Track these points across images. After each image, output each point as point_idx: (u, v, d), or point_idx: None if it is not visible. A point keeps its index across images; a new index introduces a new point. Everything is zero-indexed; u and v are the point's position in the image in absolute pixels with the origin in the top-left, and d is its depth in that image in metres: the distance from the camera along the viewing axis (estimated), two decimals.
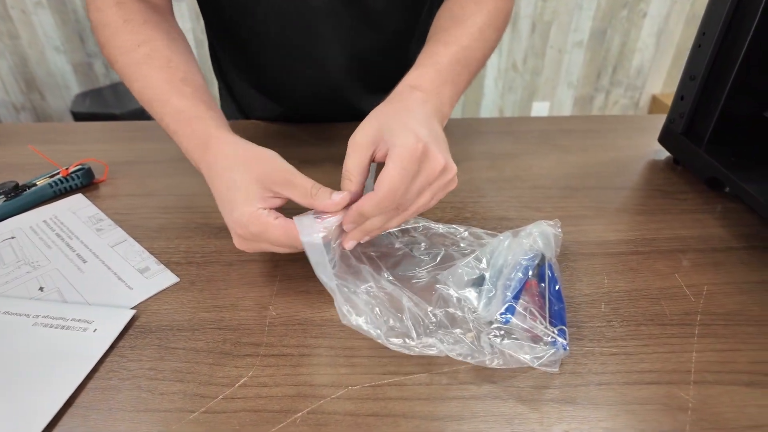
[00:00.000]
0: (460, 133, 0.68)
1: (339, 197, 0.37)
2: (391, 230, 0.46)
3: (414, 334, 0.36)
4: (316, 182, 0.38)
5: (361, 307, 0.37)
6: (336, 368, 0.35)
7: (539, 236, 0.42)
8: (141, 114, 1.97)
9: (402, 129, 0.37)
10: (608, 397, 0.33)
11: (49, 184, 0.53)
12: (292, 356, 0.36)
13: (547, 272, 0.40)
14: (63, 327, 0.38)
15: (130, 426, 0.31)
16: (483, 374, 0.34)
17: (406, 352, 0.35)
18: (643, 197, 0.54)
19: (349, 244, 0.39)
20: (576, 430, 0.31)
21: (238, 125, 0.72)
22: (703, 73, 0.53)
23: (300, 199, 0.38)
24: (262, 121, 0.72)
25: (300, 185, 0.38)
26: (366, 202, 0.36)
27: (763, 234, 0.47)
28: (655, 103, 2.26)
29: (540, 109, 2.27)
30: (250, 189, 0.38)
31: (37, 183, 0.53)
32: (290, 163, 0.39)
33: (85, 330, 0.37)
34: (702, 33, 0.53)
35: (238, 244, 0.39)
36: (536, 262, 0.41)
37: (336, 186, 0.39)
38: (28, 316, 0.39)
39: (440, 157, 0.37)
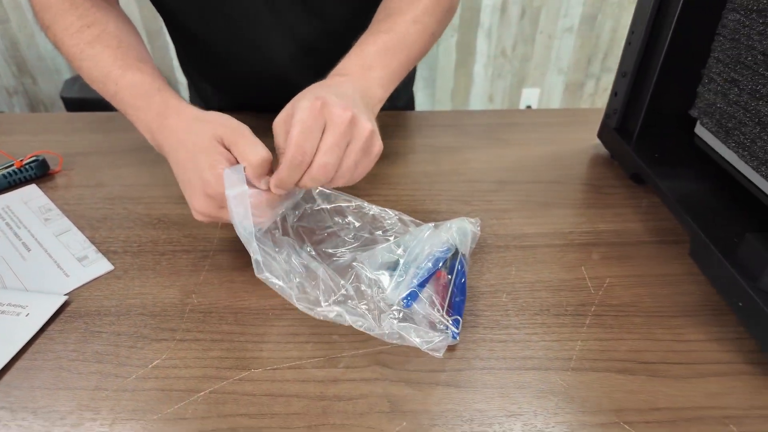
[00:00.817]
0: (406, 126, 0.69)
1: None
2: (324, 207, 0.48)
3: (322, 301, 0.38)
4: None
5: (277, 269, 0.39)
6: (243, 353, 0.38)
7: (457, 231, 0.45)
8: None
9: (307, 95, 0.39)
10: (487, 381, 0.36)
11: (3, 175, 0.56)
12: (205, 341, 0.39)
13: (457, 266, 0.42)
14: None
15: (47, 402, 0.34)
16: (378, 359, 0.37)
17: (311, 314, 0.37)
18: (571, 191, 0.56)
19: (276, 190, 0.39)
20: (452, 411, 0.34)
21: None
22: (632, 70, 0.55)
23: (246, 156, 0.39)
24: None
25: (251, 139, 0.40)
26: (281, 168, 0.38)
27: (676, 230, 0.49)
28: None
29: (530, 95, 2.26)
30: (213, 149, 0.40)
31: None
32: None
33: (18, 314, 0.40)
34: (631, 31, 0.54)
35: (203, 208, 0.40)
36: (449, 255, 0.43)
37: None
38: None
39: (343, 109, 0.38)
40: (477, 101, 2.27)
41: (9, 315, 0.40)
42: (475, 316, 0.40)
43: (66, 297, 0.42)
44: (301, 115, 0.37)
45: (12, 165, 0.57)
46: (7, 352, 0.37)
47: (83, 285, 0.44)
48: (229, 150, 0.40)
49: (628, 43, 0.55)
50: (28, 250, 0.48)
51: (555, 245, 0.48)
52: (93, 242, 0.48)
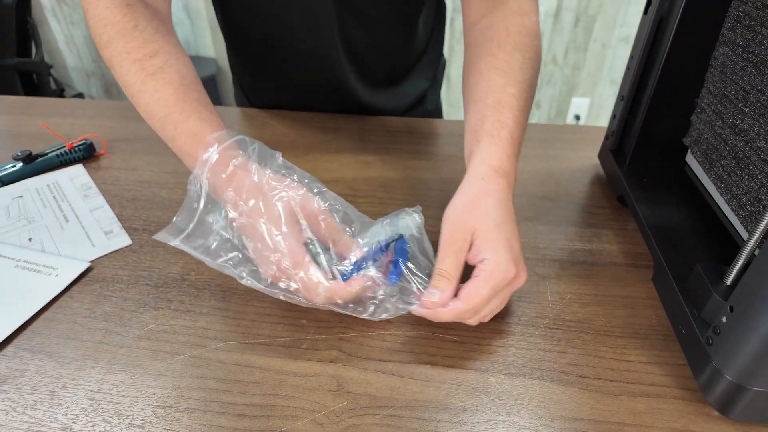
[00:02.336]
0: (415, 133, 0.73)
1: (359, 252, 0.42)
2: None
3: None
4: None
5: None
6: (224, 326, 0.44)
7: (400, 220, 0.46)
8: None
9: (496, 242, 0.40)
10: (428, 374, 0.39)
11: (57, 155, 0.65)
12: (194, 313, 0.45)
13: (399, 245, 0.45)
14: (35, 270, 0.49)
15: (59, 348, 0.42)
16: (337, 345, 0.42)
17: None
18: (558, 208, 0.58)
19: (418, 312, 0.41)
20: (390, 397, 0.38)
21: (242, 113, 0.81)
22: (628, 95, 0.56)
23: (331, 235, 0.42)
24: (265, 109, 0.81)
25: (334, 222, 0.43)
26: (447, 312, 0.39)
27: (647, 254, 0.50)
28: None
29: (579, 104, 2.22)
30: (291, 218, 0.41)
31: (47, 153, 0.65)
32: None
33: (49, 275, 0.48)
34: (631, 56, 0.55)
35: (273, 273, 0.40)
36: (393, 240, 0.45)
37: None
38: (12, 259, 0.50)
39: (524, 275, 0.40)
40: None
41: (42, 274, 0.48)
42: None
43: (89, 263, 0.50)
44: (494, 280, 0.38)
45: (64, 146, 0.66)
46: (36, 304, 0.45)
47: (105, 255, 0.51)
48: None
49: (627, 68, 0.56)
50: (67, 221, 0.56)
51: (527, 258, 0.50)
52: (119, 219, 0.56)
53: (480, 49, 0.52)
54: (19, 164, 0.63)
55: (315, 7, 0.65)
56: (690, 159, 0.53)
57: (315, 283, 0.39)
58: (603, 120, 2.26)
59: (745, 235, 0.43)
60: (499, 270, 0.39)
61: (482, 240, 0.40)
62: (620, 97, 0.58)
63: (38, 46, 1.54)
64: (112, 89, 2.49)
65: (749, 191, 0.41)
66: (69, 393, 0.38)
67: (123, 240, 0.53)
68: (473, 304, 0.39)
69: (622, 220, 0.56)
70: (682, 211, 0.51)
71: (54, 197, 0.60)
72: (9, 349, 0.42)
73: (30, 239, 0.53)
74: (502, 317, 0.44)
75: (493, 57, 0.50)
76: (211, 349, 0.41)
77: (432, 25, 0.79)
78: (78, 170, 0.65)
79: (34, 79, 1.62)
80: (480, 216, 0.41)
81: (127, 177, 0.63)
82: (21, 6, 1.45)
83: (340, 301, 0.40)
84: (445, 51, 0.93)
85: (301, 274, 0.39)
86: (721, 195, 0.46)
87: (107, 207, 0.58)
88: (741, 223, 0.43)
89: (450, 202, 0.44)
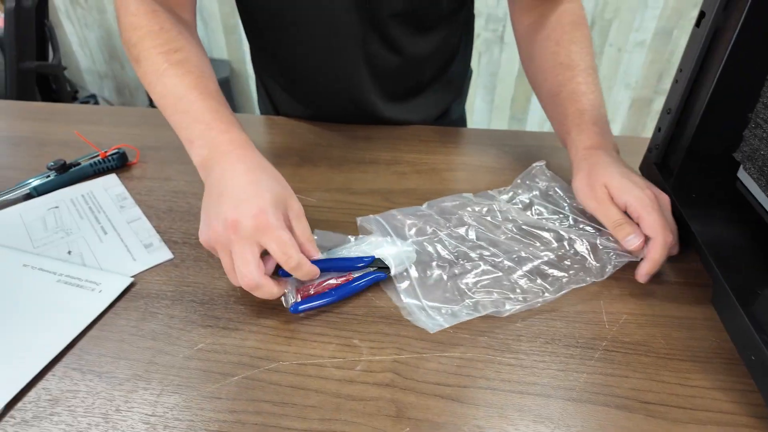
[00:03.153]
0: (449, 142, 0.72)
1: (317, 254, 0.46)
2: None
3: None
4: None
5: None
6: (274, 345, 0.43)
7: (396, 252, 0.49)
8: None
9: (625, 183, 0.49)
10: (489, 400, 0.38)
11: (90, 164, 0.65)
12: (243, 331, 0.44)
13: (365, 278, 0.48)
14: (78, 285, 0.48)
15: (109, 368, 0.41)
16: (391, 367, 0.41)
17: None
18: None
19: (645, 278, 0.48)
20: (452, 423, 0.37)
21: (269, 120, 0.80)
22: (677, 108, 0.55)
23: (297, 236, 0.45)
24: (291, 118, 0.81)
25: (304, 224, 0.46)
26: (659, 253, 0.46)
27: (702, 274, 0.49)
28: None
29: None
30: (276, 199, 0.44)
31: (81, 162, 0.65)
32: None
33: (93, 290, 0.48)
34: (680, 69, 0.54)
35: (213, 235, 0.43)
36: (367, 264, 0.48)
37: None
38: (54, 273, 0.49)
39: (656, 189, 0.50)
40: (536, 111, 2.24)
41: (85, 290, 0.48)
42: (488, 338, 0.43)
43: (132, 279, 0.49)
44: (652, 208, 0.47)
45: (97, 155, 0.65)
46: (82, 321, 0.44)
47: (146, 269, 0.50)
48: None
49: (675, 81, 0.55)
50: (105, 233, 0.55)
51: None
52: (158, 231, 0.55)
53: (538, 47, 0.60)
54: (53, 174, 0.63)
55: (339, 25, 0.65)
56: (742, 174, 0.52)
57: (288, 241, 0.43)
58: (617, 125, 2.24)
59: None
60: (645, 198, 0.47)
61: (614, 187, 0.49)
62: (666, 110, 0.57)
63: (56, 49, 1.54)
64: (124, 91, 2.49)
65: None
66: (123, 416, 0.37)
67: (164, 254, 0.52)
68: (661, 226, 0.46)
69: None
70: (736, 228, 0.49)
71: (90, 208, 0.59)
72: (58, 369, 0.41)
73: (69, 252, 0.53)
74: (558, 339, 0.43)
75: (554, 54, 0.58)
76: (263, 371, 0.41)
77: (459, 38, 0.78)
78: (112, 180, 0.64)
79: (51, 82, 1.61)
80: (601, 173, 0.50)
81: (161, 187, 0.63)
82: (39, 8, 1.45)
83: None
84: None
85: (284, 234, 0.43)
86: None
87: (144, 219, 0.57)
88: None
89: (572, 184, 0.53)
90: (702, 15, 0.50)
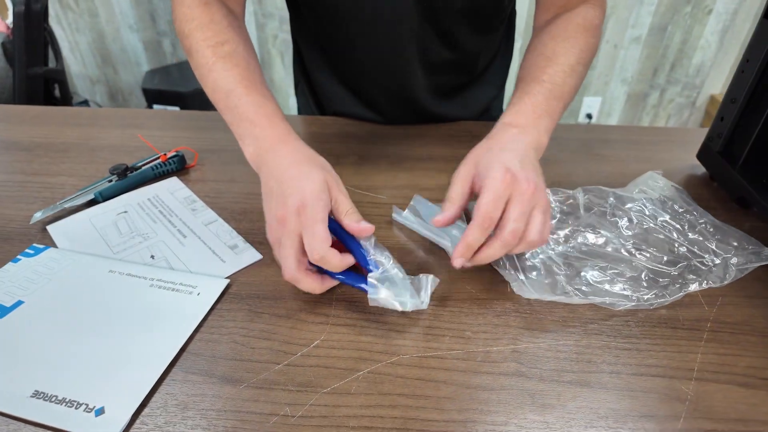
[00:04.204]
0: None
1: (363, 226, 0.45)
2: None
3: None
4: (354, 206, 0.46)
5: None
6: (389, 340, 0.43)
7: None
8: (203, 93, 2.11)
9: (494, 163, 0.45)
10: (617, 383, 0.39)
11: (151, 168, 0.63)
12: (355, 326, 0.44)
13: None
14: (173, 289, 0.47)
15: (228, 371, 0.40)
16: (511, 356, 0.41)
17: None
18: None
19: (458, 262, 0.44)
20: (586, 407, 0.38)
21: (318, 121, 0.80)
22: (744, 98, 0.57)
23: (348, 225, 0.45)
24: (339, 116, 0.81)
25: (353, 217, 0.45)
26: (469, 232, 0.43)
27: None
28: (713, 104, 2.20)
29: (591, 104, 2.25)
30: (322, 192, 0.44)
31: (141, 166, 0.63)
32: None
33: (190, 293, 0.47)
34: (746, 59, 0.56)
35: (271, 232, 0.45)
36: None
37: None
38: (145, 278, 0.48)
39: (528, 181, 0.43)
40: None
41: (183, 293, 0.47)
42: (597, 325, 0.44)
43: (227, 280, 0.48)
44: (492, 184, 0.43)
45: (158, 158, 0.64)
46: (189, 325, 0.44)
47: (238, 270, 0.50)
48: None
49: (741, 71, 0.57)
50: (184, 236, 0.54)
51: None
52: (239, 233, 0.55)
53: (537, 41, 0.59)
54: (115, 178, 0.61)
55: (397, 19, 0.65)
56: None
57: (323, 239, 0.42)
58: (613, 119, 2.30)
59: None
60: (495, 178, 0.43)
61: (480, 167, 0.46)
62: (730, 99, 0.59)
63: (57, 53, 1.50)
64: (117, 96, 2.44)
65: None
66: (259, 417, 0.37)
67: (252, 255, 0.52)
68: (482, 212, 0.42)
69: (738, 220, 0.56)
70: None
71: (160, 212, 0.58)
72: (176, 374, 0.40)
73: (152, 256, 0.52)
74: (665, 323, 0.44)
75: (543, 46, 0.57)
76: (386, 365, 0.41)
77: (503, 32, 0.79)
78: (175, 183, 0.63)
79: (52, 88, 1.57)
80: (481, 153, 0.48)
81: (229, 189, 0.62)
82: (43, 13, 1.41)
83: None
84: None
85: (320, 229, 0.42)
86: None
87: (221, 221, 0.56)
88: None
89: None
90: None
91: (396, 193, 0.61)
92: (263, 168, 0.49)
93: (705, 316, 0.45)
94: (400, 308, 0.42)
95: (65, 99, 1.60)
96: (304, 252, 0.43)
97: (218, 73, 0.52)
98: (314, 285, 0.44)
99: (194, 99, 2.02)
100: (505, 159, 0.45)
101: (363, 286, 0.44)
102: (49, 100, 1.54)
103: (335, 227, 0.46)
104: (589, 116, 2.27)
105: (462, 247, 0.44)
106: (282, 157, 0.48)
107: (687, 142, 0.72)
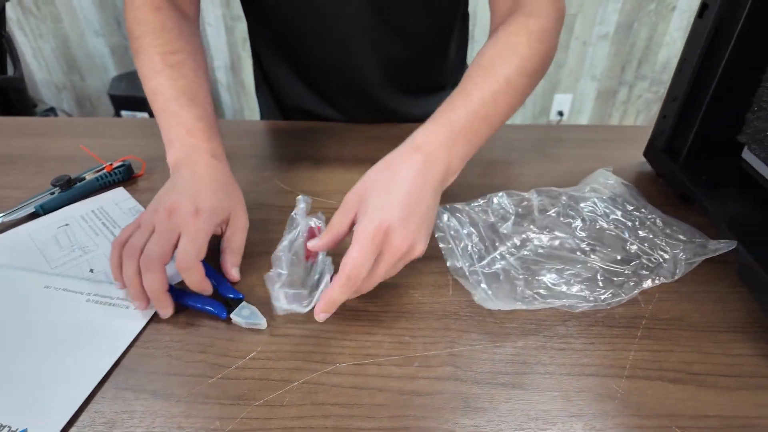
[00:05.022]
0: None
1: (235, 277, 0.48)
2: None
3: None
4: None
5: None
6: (328, 348, 0.42)
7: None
8: None
9: (374, 208, 0.41)
10: (549, 384, 0.39)
11: (96, 179, 0.62)
12: (294, 336, 0.43)
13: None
14: (110, 304, 0.46)
15: (162, 385, 0.39)
16: (448, 360, 0.41)
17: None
18: None
19: (321, 317, 0.41)
20: (518, 410, 0.38)
21: (275, 126, 0.79)
22: (683, 95, 0.58)
23: (232, 247, 0.49)
24: (299, 113, 0.80)
25: (242, 239, 0.49)
26: (332, 289, 0.40)
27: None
28: None
29: (562, 101, 2.27)
30: (217, 207, 0.47)
31: (86, 177, 0.62)
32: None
33: (127, 307, 0.46)
34: (683, 58, 0.57)
35: (146, 214, 0.47)
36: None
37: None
38: (82, 293, 0.47)
39: (404, 239, 0.40)
40: (526, 105, 2.29)
41: (119, 308, 0.46)
42: (534, 325, 0.44)
43: None
44: (363, 240, 0.39)
45: (103, 169, 0.63)
46: (123, 340, 0.43)
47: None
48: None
49: (679, 69, 0.58)
50: None
51: None
52: None
53: (482, 48, 0.54)
54: (57, 190, 0.60)
55: (348, 16, 0.65)
56: (748, 155, 0.55)
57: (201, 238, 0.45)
58: (584, 115, 2.32)
59: None
60: (366, 233, 0.39)
61: (363, 204, 0.42)
62: (671, 98, 0.60)
63: (15, 61, 1.46)
64: (84, 102, 2.39)
65: None
66: None
67: None
68: (348, 270, 0.39)
69: (681, 216, 0.57)
70: (747, 204, 0.53)
71: (103, 224, 0.57)
72: (108, 390, 0.39)
73: (92, 270, 0.50)
74: (601, 321, 0.45)
75: (482, 55, 0.52)
76: (322, 374, 0.40)
77: (459, 33, 0.80)
78: (120, 194, 0.62)
79: (10, 96, 1.53)
80: (371, 183, 0.43)
81: None
82: None
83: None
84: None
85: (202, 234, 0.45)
86: None
87: None
88: None
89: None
90: (705, 6, 0.53)
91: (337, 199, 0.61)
92: (182, 170, 0.49)
93: (641, 314, 0.46)
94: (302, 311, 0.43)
95: (24, 108, 1.56)
96: (167, 255, 0.44)
97: (164, 80, 0.53)
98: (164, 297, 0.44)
99: None
100: (387, 205, 0.41)
101: (210, 308, 0.45)
102: (8, 109, 1.50)
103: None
104: (561, 113, 2.29)
105: (323, 304, 0.41)
106: (204, 170, 0.49)
107: (638, 139, 0.73)
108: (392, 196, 0.42)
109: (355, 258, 0.39)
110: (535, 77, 0.53)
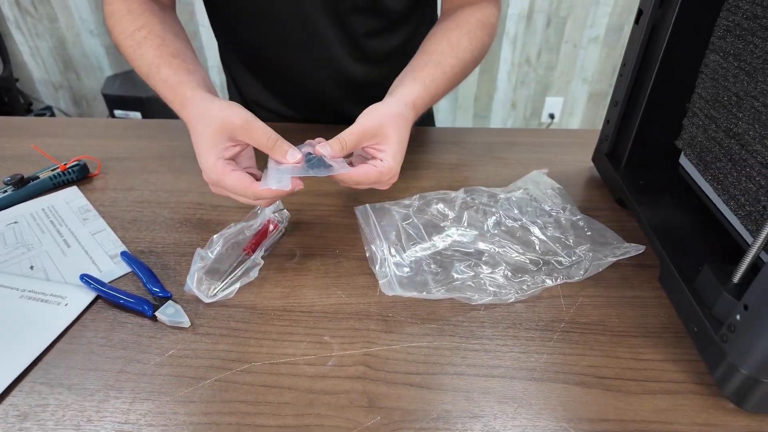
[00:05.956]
0: (415, 142, 0.74)
1: (294, 158, 0.47)
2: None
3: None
4: (274, 132, 0.47)
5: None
6: (246, 347, 0.43)
7: None
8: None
9: (397, 151, 0.50)
10: (456, 385, 0.40)
11: (49, 177, 0.63)
12: (214, 335, 0.44)
13: None
14: (42, 300, 0.47)
15: (79, 380, 0.41)
16: (362, 360, 0.42)
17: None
18: None
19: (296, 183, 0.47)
20: (421, 410, 0.38)
21: None
22: (623, 100, 0.58)
23: (258, 145, 0.47)
24: (259, 108, 0.82)
25: (258, 130, 0.46)
26: (343, 173, 0.48)
27: (651, 255, 0.52)
28: None
29: (553, 104, 2.27)
30: (213, 139, 0.47)
31: (40, 176, 0.63)
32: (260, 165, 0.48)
33: (58, 304, 0.47)
34: (623, 63, 0.57)
35: (211, 189, 0.49)
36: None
37: None
38: (17, 289, 0.49)
39: (395, 176, 0.51)
40: (499, 108, 2.29)
41: (51, 304, 0.47)
42: (453, 326, 0.45)
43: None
44: (380, 173, 0.49)
45: (57, 168, 0.64)
46: (48, 336, 0.44)
47: (114, 279, 0.50)
48: (233, 137, 0.47)
49: (620, 74, 0.58)
50: (68, 246, 0.55)
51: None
52: (123, 242, 0.55)
53: (443, 23, 0.63)
54: (10, 189, 0.61)
55: (301, 20, 0.67)
56: (684, 161, 0.55)
57: (243, 187, 0.46)
58: (576, 118, 2.32)
59: (744, 233, 0.45)
60: (390, 173, 0.49)
61: (389, 145, 0.49)
62: (613, 102, 0.60)
63: (6, 60, 1.48)
64: (81, 102, 2.42)
65: (747, 192, 0.44)
66: (95, 426, 0.37)
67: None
68: (360, 180, 0.48)
69: (621, 221, 0.58)
70: (681, 211, 0.53)
71: (51, 222, 0.58)
72: (25, 384, 0.40)
73: (32, 267, 0.52)
74: (519, 323, 0.45)
75: (449, 31, 0.61)
76: (236, 372, 0.41)
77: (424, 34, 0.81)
78: (73, 192, 0.63)
79: (2, 95, 1.55)
80: (396, 128, 0.50)
81: (125, 197, 0.62)
82: None
83: (264, 198, 0.47)
84: None
85: (226, 180, 0.46)
86: (719, 195, 0.48)
87: (109, 230, 0.57)
88: (741, 223, 0.45)
89: (376, 104, 0.52)
90: (640, 12, 0.53)
91: (294, 199, 0.62)
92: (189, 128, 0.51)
93: (561, 317, 0.46)
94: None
95: (14, 106, 1.58)
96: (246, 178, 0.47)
97: (139, 60, 0.56)
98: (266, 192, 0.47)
99: (155, 104, 2.01)
100: (399, 154, 0.50)
101: (136, 306, 0.46)
102: (0, 107, 1.53)
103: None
104: (552, 116, 2.29)
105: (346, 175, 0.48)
106: (187, 123, 0.51)
107: (591, 143, 0.73)
108: (402, 147, 0.51)
109: (369, 176, 0.49)
110: (476, 65, 0.63)
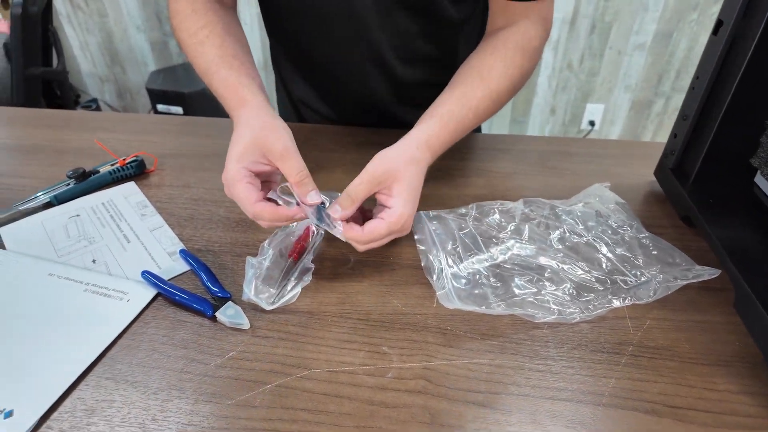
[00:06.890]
0: (462, 148, 0.73)
1: (313, 200, 0.47)
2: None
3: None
4: (306, 170, 0.47)
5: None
6: (305, 353, 0.43)
7: None
8: (204, 93, 2.15)
9: (408, 197, 0.47)
10: (521, 406, 0.39)
11: (109, 172, 0.65)
12: (273, 339, 0.44)
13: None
14: (105, 295, 0.48)
15: (141, 379, 0.41)
16: (422, 374, 0.41)
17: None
18: None
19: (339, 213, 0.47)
20: (485, 429, 0.37)
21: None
22: (694, 114, 0.55)
23: (287, 175, 0.47)
24: (306, 109, 0.82)
25: (292, 161, 0.46)
26: (350, 234, 0.47)
27: (721, 277, 0.50)
28: None
29: (594, 111, 2.22)
30: (247, 148, 0.47)
31: (100, 170, 0.65)
32: (309, 164, 0.48)
33: (121, 299, 0.48)
34: (696, 77, 0.55)
35: (225, 191, 0.49)
36: None
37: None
38: (81, 282, 0.50)
39: (409, 227, 0.48)
40: (538, 113, 2.25)
41: (113, 299, 0.48)
42: (516, 344, 0.44)
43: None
44: (391, 224, 0.46)
45: (116, 163, 0.66)
46: (113, 331, 0.45)
47: (173, 277, 0.51)
48: (266, 156, 0.47)
49: (692, 87, 0.56)
50: (128, 241, 0.56)
51: None
52: (181, 239, 0.56)
53: (480, 49, 0.59)
54: (72, 182, 0.63)
55: (356, 18, 0.66)
56: (760, 180, 0.53)
57: (245, 199, 0.46)
58: (617, 127, 2.26)
59: None
60: (400, 221, 0.47)
61: (399, 191, 0.47)
62: (683, 116, 0.58)
63: (60, 54, 1.54)
64: (125, 95, 2.49)
65: None
66: (160, 425, 0.38)
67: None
68: (371, 238, 0.47)
69: (685, 240, 0.55)
70: (755, 232, 0.50)
71: (111, 216, 0.59)
72: (91, 378, 0.41)
73: (94, 261, 0.53)
74: (585, 344, 0.44)
75: (482, 60, 0.57)
76: (296, 378, 0.41)
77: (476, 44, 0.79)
78: (131, 188, 0.65)
79: (54, 88, 1.61)
80: (406, 172, 0.48)
81: (181, 195, 0.63)
82: (44, 14, 1.44)
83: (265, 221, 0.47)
84: None
85: (236, 188, 0.46)
86: None
87: (167, 227, 0.58)
88: None
89: (385, 149, 0.50)
90: (720, 23, 0.51)
91: None
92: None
93: (628, 340, 0.44)
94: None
95: (66, 99, 1.63)
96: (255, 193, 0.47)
97: (199, 59, 0.57)
98: (270, 212, 0.46)
99: (196, 100, 2.05)
100: (411, 200, 0.48)
101: (196, 306, 0.46)
102: (53, 100, 1.58)
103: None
104: (592, 123, 2.24)
105: (352, 233, 0.47)
106: (235, 123, 0.52)
107: (650, 156, 0.70)
108: (415, 192, 0.49)
109: (380, 231, 0.46)
110: (516, 92, 0.59)
